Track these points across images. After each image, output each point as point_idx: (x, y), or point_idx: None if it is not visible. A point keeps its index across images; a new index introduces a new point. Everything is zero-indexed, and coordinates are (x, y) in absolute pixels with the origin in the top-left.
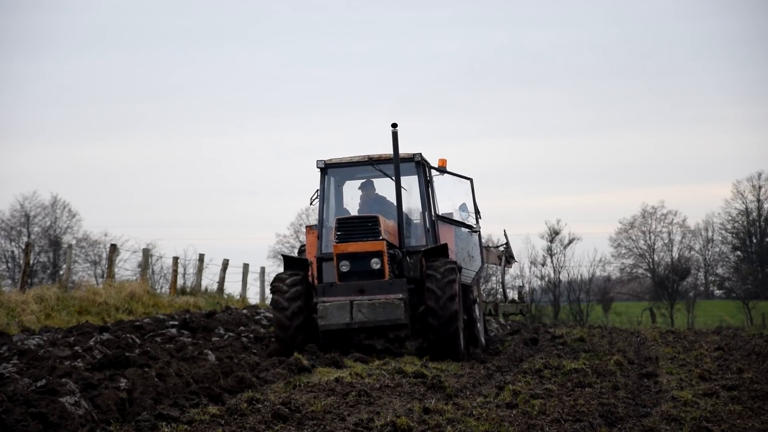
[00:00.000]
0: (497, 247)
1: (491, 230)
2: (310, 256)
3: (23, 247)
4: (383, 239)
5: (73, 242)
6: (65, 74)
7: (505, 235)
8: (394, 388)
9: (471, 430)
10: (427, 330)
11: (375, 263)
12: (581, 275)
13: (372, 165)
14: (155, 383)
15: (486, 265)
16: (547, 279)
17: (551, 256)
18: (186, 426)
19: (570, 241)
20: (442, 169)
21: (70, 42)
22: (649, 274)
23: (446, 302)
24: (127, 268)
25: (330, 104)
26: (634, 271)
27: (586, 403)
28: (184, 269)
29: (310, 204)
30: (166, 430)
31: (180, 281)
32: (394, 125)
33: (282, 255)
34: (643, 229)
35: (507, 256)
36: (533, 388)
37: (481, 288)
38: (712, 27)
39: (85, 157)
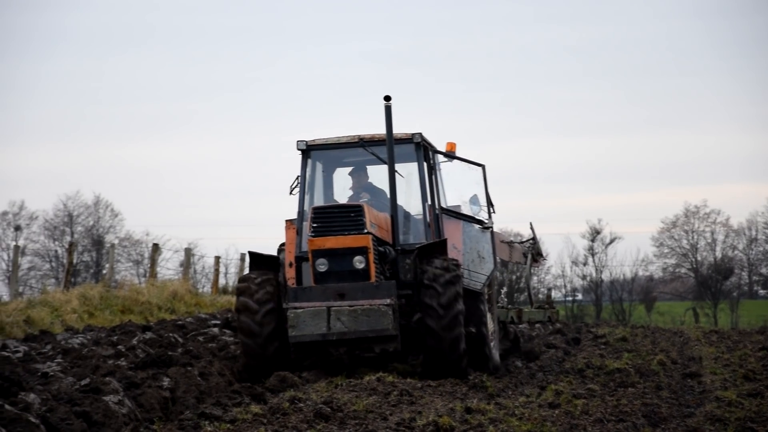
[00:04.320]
0: (522, 242)
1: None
2: (290, 255)
3: (67, 246)
4: (369, 233)
5: (116, 242)
6: (105, 72)
7: (532, 229)
8: (436, 387)
9: (513, 429)
10: (424, 350)
11: (359, 262)
12: (623, 275)
13: (363, 147)
14: (198, 382)
15: (498, 265)
16: (588, 278)
17: (593, 255)
18: (229, 425)
19: (611, 241)
20: (449, 154)
21: (113, 39)
22: (692, 274)
23: (449, 322)
24: (169, 267)
25: (373, 102)
26: (677, 270)
27: (629, 403)
28: (226, 268)
29: (290, 194)
30: (209, 429)
31: (222, 281)
32: (387, 98)
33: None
34: (685, 228)
35: (534, 253)
36: (576, 388)
37: (497, 292)
38: (758, 24)
39: (127, 156)
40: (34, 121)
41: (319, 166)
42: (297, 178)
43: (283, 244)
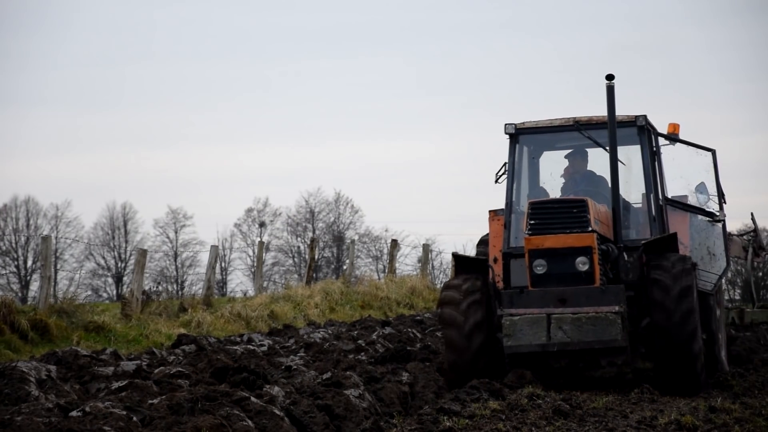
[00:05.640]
0: (741, 235)
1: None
2: (495, 250)
3: (308, 242)
4: (593, 231)
5: (356, 237)
6: (339, 70)
7: (753, 220)
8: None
9: (760, 430)
10: (653, 352)
11: (582, 263)
12: None
13: (578, 130)
14: (436, 377)
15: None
16: None
17: None
18: (467, 420)
19: None
20: (673, 137)
21: (356, 38)
22: None
23: (681, 318)
24: (407, 263)
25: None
26: None
27: None
28: None
29: (496, 182)
30: (448, 423)
31: None
32: (610, 77)
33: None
34: None
35: (755, 247)
36: None
37: (725, 293)
38: None
39: (367, 153)
40: (275, 121)
41: (526, 151)
42: (504, 166)
43: (485, 237)
